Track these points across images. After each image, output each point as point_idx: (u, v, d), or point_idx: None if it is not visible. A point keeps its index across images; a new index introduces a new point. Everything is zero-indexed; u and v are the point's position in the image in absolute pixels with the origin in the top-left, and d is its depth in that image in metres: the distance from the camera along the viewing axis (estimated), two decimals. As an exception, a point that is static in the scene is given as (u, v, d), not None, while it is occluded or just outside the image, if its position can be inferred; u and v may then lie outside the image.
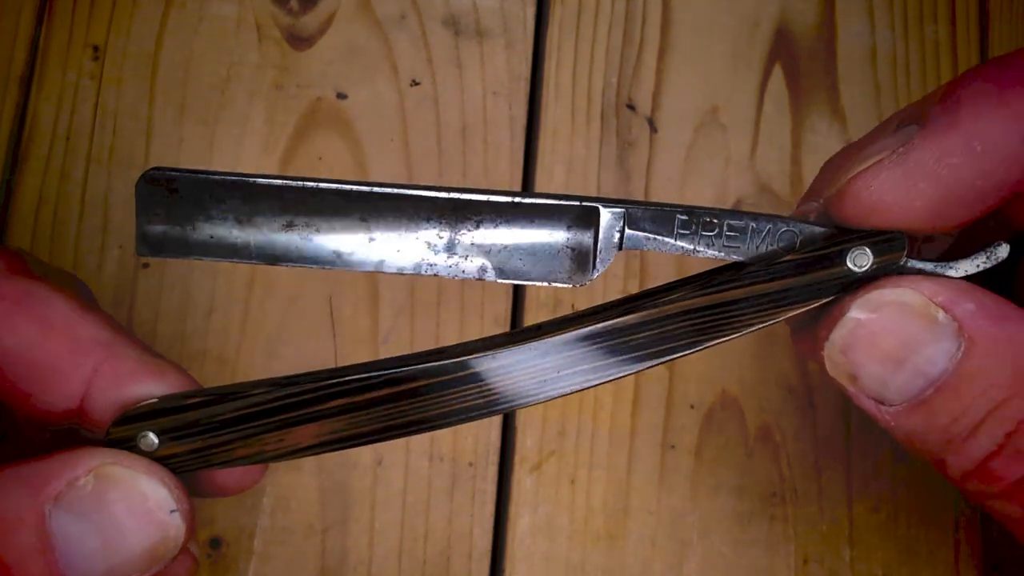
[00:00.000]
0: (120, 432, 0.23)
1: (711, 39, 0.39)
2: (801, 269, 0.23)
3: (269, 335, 0.36)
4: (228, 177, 0.22)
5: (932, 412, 0.23)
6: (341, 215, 0.22)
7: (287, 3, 0.38)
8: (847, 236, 0.24)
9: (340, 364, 0.32)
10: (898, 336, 0.23)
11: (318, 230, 0.22)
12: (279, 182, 0.22)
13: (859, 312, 0.23)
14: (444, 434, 0.35)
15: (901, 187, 0.22)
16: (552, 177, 0.38)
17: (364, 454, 0.35)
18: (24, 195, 0.36)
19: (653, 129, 0.38)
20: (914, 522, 0.36)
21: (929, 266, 0.24)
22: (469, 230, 0.23)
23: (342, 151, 0.37)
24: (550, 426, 0.36)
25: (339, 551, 0.35)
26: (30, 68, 0.37)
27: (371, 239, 0.22)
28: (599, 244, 0.23)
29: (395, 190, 0.22)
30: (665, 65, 0.39)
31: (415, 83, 0.38)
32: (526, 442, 0.36)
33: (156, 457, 0.22)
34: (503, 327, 0.37)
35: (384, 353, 0.36)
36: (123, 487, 0.22)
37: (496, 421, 0.36)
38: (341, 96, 0.38)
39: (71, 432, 0.24)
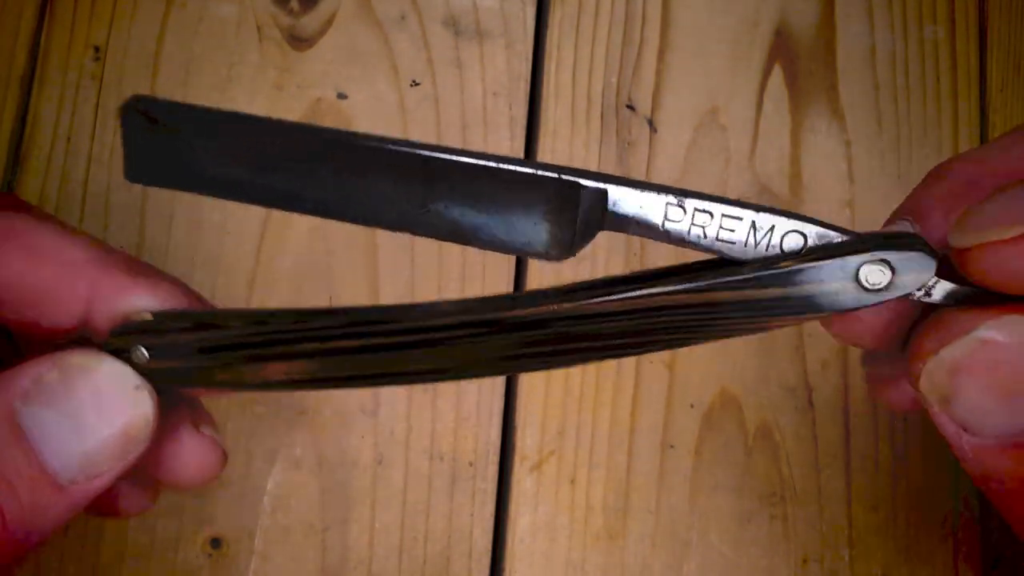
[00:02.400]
0: (117, 343, 0.23)
1: (711, 39, 0.39)
2: (802, 278, 0.21)
3: (269, 335, 0.36)
4: (208, 111, 0.21)
5: None
6: (317, 161, 0.21)
7: (287, 3, 0.38)
8: (862, 246, 0.21)
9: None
10: (1022, 369, 0.19)
11: (294, 173, 0.22)
12: (257, 120, 0.22)
13: (987, 333, 0.19)
14: (444, 433, 0.36)
15: None
16: (552, 177, 0.38)
17: (364, 453, 0.35)
18: (25, 195, 0.36)
19: (653, 129, 0.38)
20: (913, 521, 0.36)
21: (966, 290, 0.21)
22: (444, 191, 0.21)
23: (342, 151, 0.37)
24: (550, 426, 0.36)
25: (339, 550, 0.35)
26: (31, 68, 0.37)
27: (343, 188, 0.22)
28: (579, 221, 0.21)
29: (367, 142, 0.21)
30: (665, 65, 0.39)
31: (415, 83, 0.38)
32: (526, 442, 0.36)
33: (146, 370, 0.23)
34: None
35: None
36: (86, 373, 0.22)
37: (496, 420, 0.36)
38: (341, 96, 0.38)
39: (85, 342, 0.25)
